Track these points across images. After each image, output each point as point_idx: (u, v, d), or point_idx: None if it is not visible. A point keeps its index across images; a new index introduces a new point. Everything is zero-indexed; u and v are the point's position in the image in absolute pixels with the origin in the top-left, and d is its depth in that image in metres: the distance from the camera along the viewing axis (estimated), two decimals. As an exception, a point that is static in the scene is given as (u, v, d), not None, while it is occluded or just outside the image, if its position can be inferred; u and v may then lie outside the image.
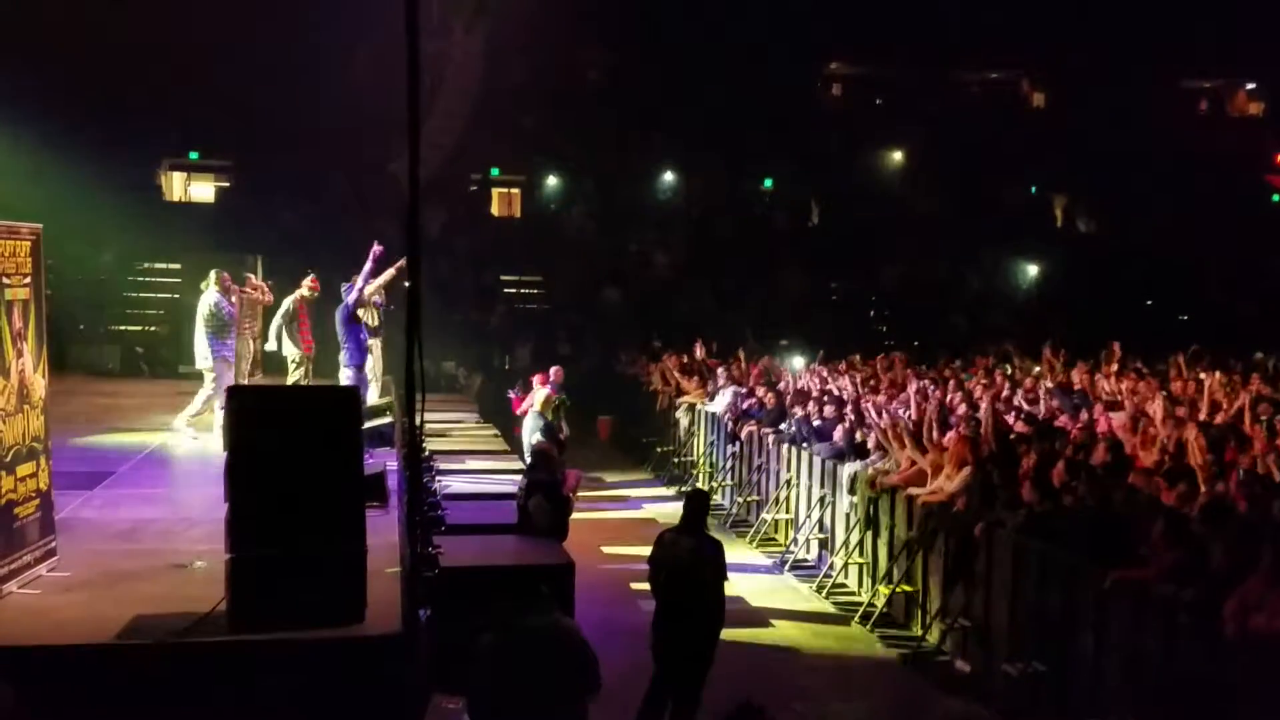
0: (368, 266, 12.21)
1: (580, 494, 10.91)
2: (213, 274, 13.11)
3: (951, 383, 16.95)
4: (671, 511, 16.34)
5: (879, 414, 13.20)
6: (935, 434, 11.74)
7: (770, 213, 33.52)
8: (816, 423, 14.50)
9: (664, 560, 8.42)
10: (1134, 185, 32.13)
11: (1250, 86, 39.26)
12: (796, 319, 26.43)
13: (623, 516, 16.07)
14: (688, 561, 8.33)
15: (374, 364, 13.82)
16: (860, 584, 12.50)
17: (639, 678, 8.31)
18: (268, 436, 6.09)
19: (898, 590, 11.36)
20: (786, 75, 33.77)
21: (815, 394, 15.84)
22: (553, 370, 15.81)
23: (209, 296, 12.88)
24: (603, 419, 22.74)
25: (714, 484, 17.28)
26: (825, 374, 17.99)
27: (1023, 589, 9.32)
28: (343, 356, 12.31)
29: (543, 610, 6.24)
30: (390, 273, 12.45)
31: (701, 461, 18.19)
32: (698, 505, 8.72)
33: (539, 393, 15.14)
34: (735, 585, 12.85)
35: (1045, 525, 9.25)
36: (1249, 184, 34.80)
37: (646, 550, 8.73)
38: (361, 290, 12.22)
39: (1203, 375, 16.27)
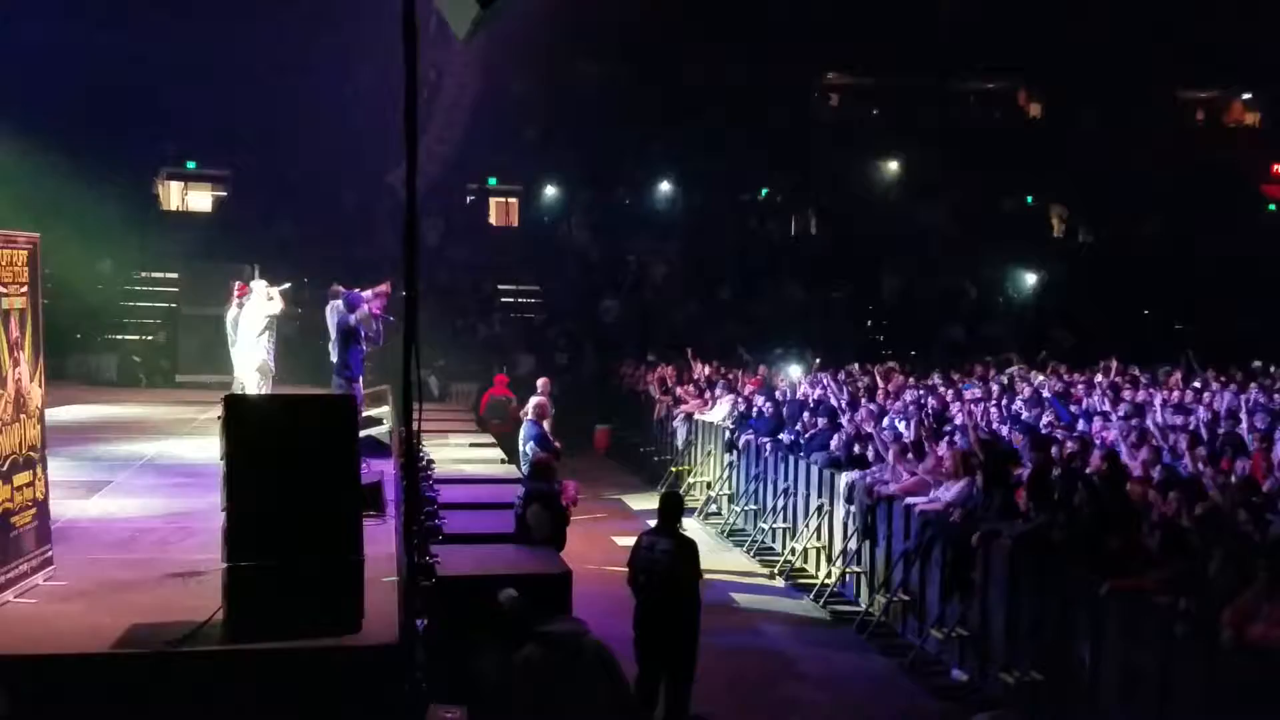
0: (380, 296, 12.27)
1: (578, 503, 10.90)
2: (264, 282, 13.20)
3: (950, 392, 16.99)
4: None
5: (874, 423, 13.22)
6: (932, 444, 11.76)
7: (767, 223, 33.56)
8: (812, 432, 14.52)
9: (641, 562, 8.65)
10: (1131, 195, 32.20)
11: (1246, 97, 39.37)
12: (794, 329, 26.45)
13: (620, 525, 16.05)
14: (663, 562, 8.55)
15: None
16: (858, 593, 12.50)
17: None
18: (264, 445, 6.08)
19: (895, 599, 11.36)
20: (784, 85, 33.84)
21: (811, 403, 15.86)
22: (540, 382, 15.70)
23: (267, 307, 12.95)
24: (600, 429, 22.74)
25: (712, 494, 17.28)
26: (826, 382, 17.99)
27: (1019, 598, 9.32)
28: (335, 365, 12.29)
29: (570, 621, 6.32)
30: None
31: (699, 471, 18.18)
32: (669, 506, 8.95)
33: (532, 400, 15.05)
34: (733, 594, 12.94)
35: (1042, 534, 9.25)
36: (1246, 194, 34.87)
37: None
38: (366, 306, 12.27)
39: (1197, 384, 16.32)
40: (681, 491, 17.87)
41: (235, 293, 13.50)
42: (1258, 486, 9.86)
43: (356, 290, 12.53)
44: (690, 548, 8.74)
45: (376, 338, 12.92)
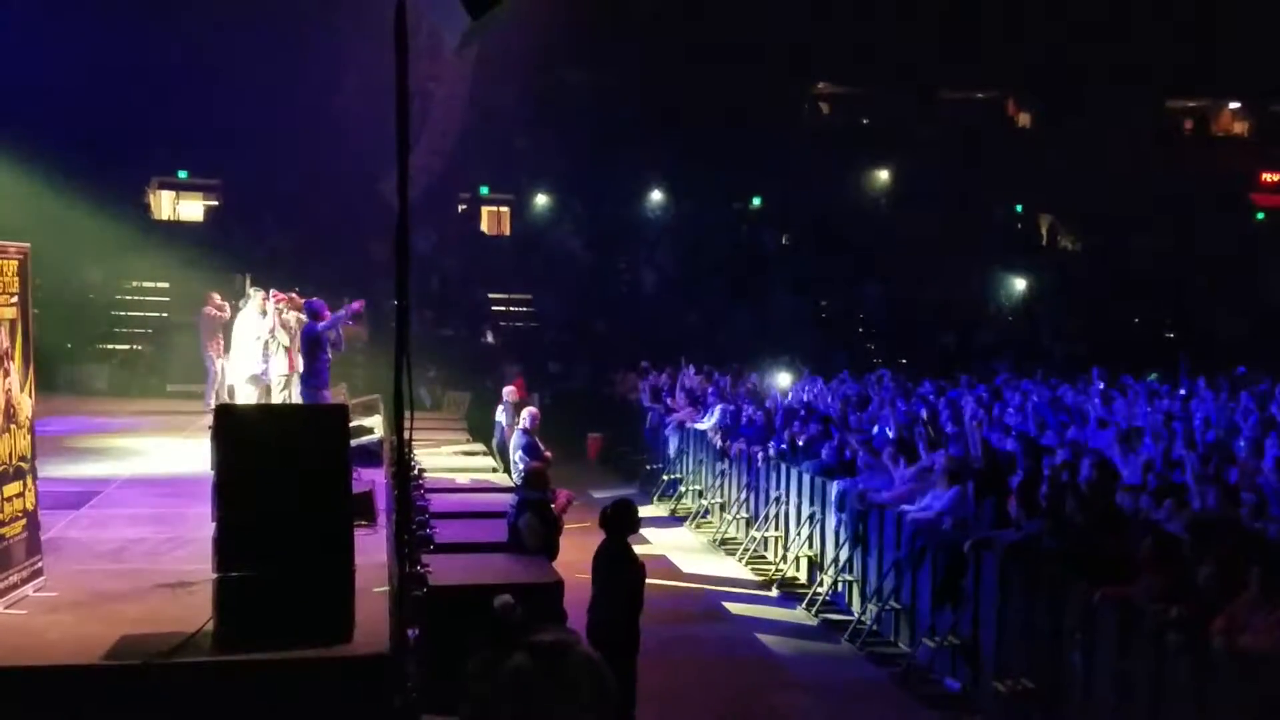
0: (340, 314, 12.37)
1: (567, 511, 10.88)
2: (261, 292, 13.26)
3: (941, 400, 17.02)
4: (662, 531, 16.40)
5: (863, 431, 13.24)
6: (923, 452, 11.77)
7: (759, 232, 33.63)
8: (803, 440, 14.52)
9: None
10: (1120, 203, 32.34)
11: (1234, 106, 39.57)
12: (785, 338, 26.48)
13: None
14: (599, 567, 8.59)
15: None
16: (850, 601, 12.49)
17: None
18: (255, 455, 6.07)
19: (887, 608, 11.36)
20: (775, 95, 33.93)
21: (802, 411, 15.87)
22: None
23: (259, 322, 13.04)
24: (592, 437, 22.72)
25: (704, 502, 17.28)
26: (816, 390, 18.03)
27: (1011, 607, 9.33)
28: (302, 374, 12.36)
29: (562, 631, 6.28)
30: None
31: (691, 479, 18.18)
32: (608, 514, 8.72)
33: (525, 410, 15.06)
34: (725, 603, 12.92)
35: (1033, 543, 9.26)
36: (1234, 202, 35.05)
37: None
38: (329, 326, 12.35)
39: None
40: (673, 500, 18.02)
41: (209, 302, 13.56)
42: (1247, 494, 9.88)
43: (317, 300, 12.64)
44: (598, 553, 8.62)
45: (339, 342, 13.01)
